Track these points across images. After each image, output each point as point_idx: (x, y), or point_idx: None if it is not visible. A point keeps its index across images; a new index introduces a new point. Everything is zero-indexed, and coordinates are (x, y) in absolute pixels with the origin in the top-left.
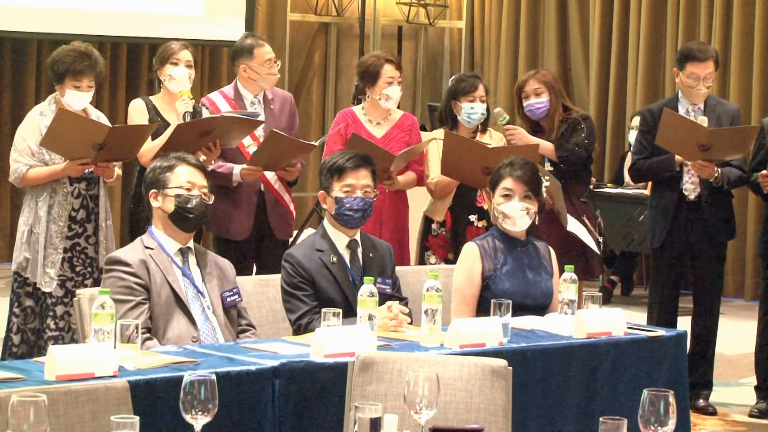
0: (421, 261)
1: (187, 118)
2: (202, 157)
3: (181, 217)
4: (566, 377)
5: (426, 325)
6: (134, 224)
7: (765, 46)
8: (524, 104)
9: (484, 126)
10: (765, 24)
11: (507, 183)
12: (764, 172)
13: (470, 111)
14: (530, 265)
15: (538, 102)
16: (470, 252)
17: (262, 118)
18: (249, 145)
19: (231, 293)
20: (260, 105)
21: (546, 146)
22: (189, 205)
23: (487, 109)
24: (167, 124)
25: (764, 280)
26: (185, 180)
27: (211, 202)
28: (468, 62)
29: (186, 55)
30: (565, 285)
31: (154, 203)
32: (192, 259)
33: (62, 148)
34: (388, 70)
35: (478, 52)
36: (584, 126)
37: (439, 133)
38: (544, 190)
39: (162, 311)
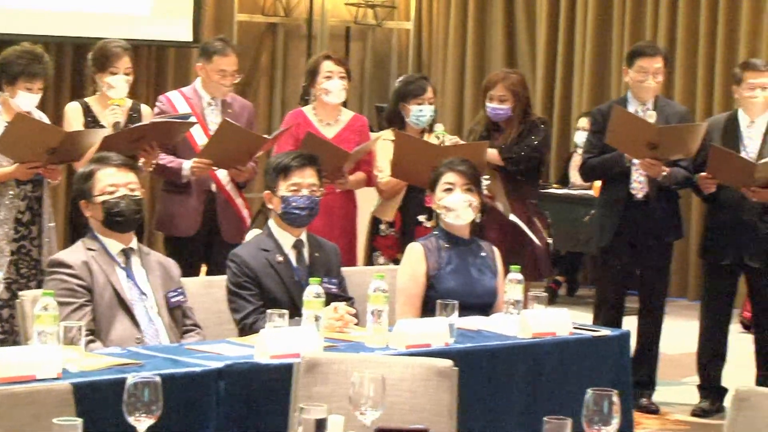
0: (369, 261)
1: (119, 128)
2: (142, 160)
3: (114, 222)
4: (511, 377)
5: (372, 325)
6: (77, 225)
7: (709, 49)
8: (487, 103)
9: (431, 127)
10: (709, 27)
11: (448, 177)
12: (703, 174)
13: (419, 113)
14: (474, 263)
15: (500, 108)
16: (414, 252)
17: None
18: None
19: (175, 293)
20: (217, 108)
21: (492, 154)
22: (117, 209)
23: (435, 111)
24: (102, 128)
25: (705, 281)
26: (107, 184)
27: (141, 196)
28: (415, 63)
29: (126, 63)
30: (510, 285)
31: (86, 212)
32: (135, 259)
33: (14, 151)
34: (326, 65)
35: (426, 53)
36: (540, 129)
37: (387, 134)
38: (484, 188)
39: (105, 313)
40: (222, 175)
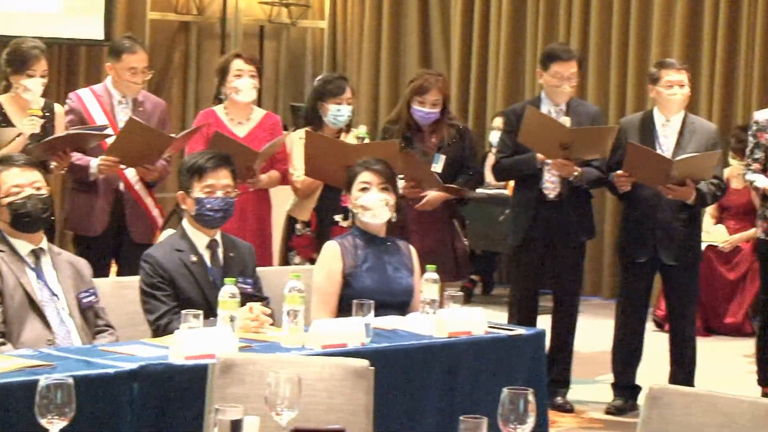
0: (285, 261)
1: (36, 138)
2: (54, 164)
3: (21, 223)
4: (427, 377)
5: (288, 325)
6: None
7: (622, 49)
8: (417, 107)
9: (348, 127)
10: (622, 28)
11: (364, 176)
12: (619, 172)
13: (337, 113)
14: (391, 262)
15: (433, 112)
16: (331, 250)
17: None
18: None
19: (87, 294)
20: (128, 106)
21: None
22: (23, 210)
23: (353, 111)
24: (13, 126)
25: (621, 279)
26: (12, 185)
27: (47, 194)
28: (330, 62)
29: (43, 65)
30: (426, 285)
31: None
32: (46, 260)
33: None
34: (236, 63)
35: (341, 53)
36: (469, 136)
37: (303, 132)
38: (400, 188)
39: (15, 314)
40: (131, 174)
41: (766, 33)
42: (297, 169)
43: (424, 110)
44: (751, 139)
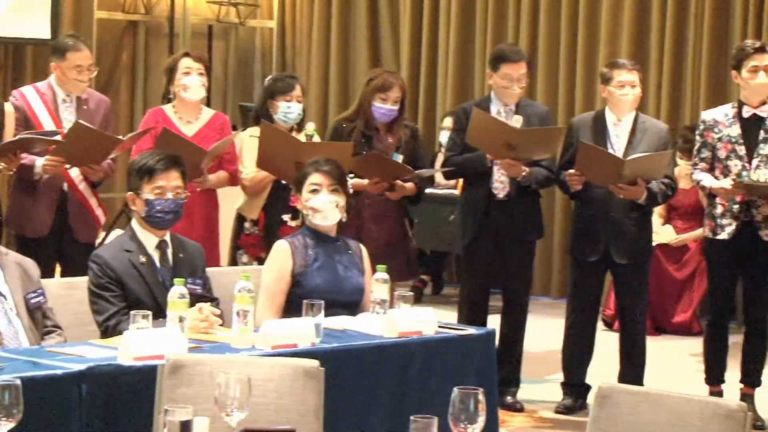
0: (233, 260)
1: None
2: (2, 165)
3: None
4: (378, 377)
5: (237, 326)
6: None
7: (571, 50)
8: (378, 104)
9: (299, 126)
10: (570, 28)
11: (314, 178)
12: (571, 171)
13: (287, 110)
14: (341, 261)
15: (394, 109)
16: (281, 249)
17: (70, 123)
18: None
19: (35, 294)
20: (72, 104)
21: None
22: None
23: (303, 110)
24: None
25: (572, 278)
26: None
27: None
28: (279, 62)
29: None
30: (377, 285)
31: None
32: None
33: None
34: (185, 62)
35: (290, 52)
36: (420, 139)
37: (255, 131)
38: (350, 186)
39: None
40: (75, 173)
41: (714, 33)
42: (246, 167)
43: (386, 107)
44: (698, 138)
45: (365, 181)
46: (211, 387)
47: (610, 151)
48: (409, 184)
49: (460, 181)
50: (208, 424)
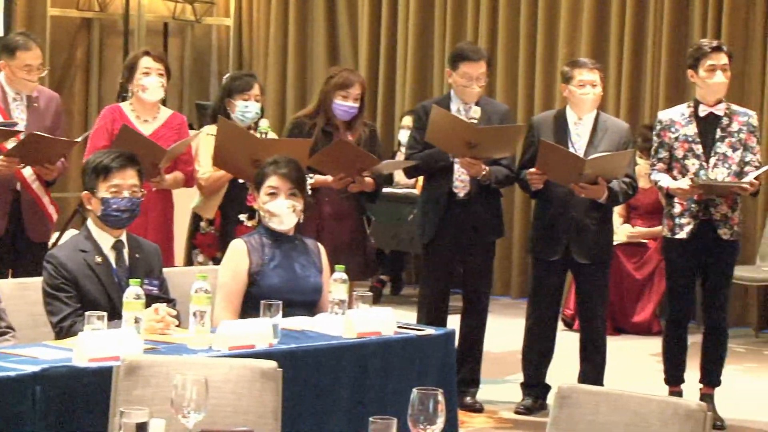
0: (189, 260)
1: None
2: None
3: None
4: (337, 378)
5: (194, 327)
6: None
7: (530, 49)
8: (339, 101)
9: (257, 124)
10: (530, 28)
11: (272, 181)
12: (532, 169)
13: (245, 109)
14: (299, 260)
15: (354, 106)
16: (237, 249)
17: (22, 120)
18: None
19: None
20: (23, 102)
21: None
22: None
23: (261, 108)
24: None
25: (532, 278)
26: None
27: None
28: (236, 60)
29: None
30: (335, 285)
31: None
32: None
33: None
34: (144, 61)
35: (247, 50)
36: (378, 137)
37: (211, 129)
38: (310, 186)
39: None
40: (27, 173)
41: (673, 32)
42: (203, 166)
43: (347, 104)
44: (655, 138)
45: (329, 178)
46: (167, 388)
47: (571, 150)
48: (369, 180)
49: (419, 180)
50: (165, 426)
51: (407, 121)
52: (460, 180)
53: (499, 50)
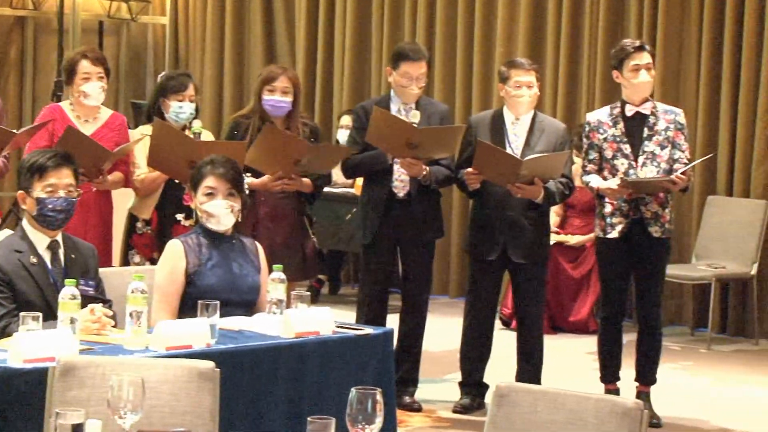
0: (125, 260)
1: None
2: None
3: None
4: (275, 378)
5: (131, 327)
6: None
7: (467, 49)
8: (267, 96)
9: (191, 124)
10: (467, 27)
11: (209, 181)
12: (469, 169)
13: (179, 110)
14: (236, 260)
15: (283, 100)
16: (174, 249)
17: None
18: None
19: None
20: None
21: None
22: None
23: (196, 108)
24: None
25: (469, 277)
26: None
27: None
28: (172, 59)
29: None
30: (273, 284)
31: None
32: None
33: None
34: (84, 66)
35: (183, 49)
36: (320, 137)
37: (146, 129)
38: (246, 186)
39: None
40: None
41: (608, 33)
42: (139, 167)
43: (275, 98)
44: (585, 140)
45: (265, 179)
46: (103, 389)
47: (508, 150)
48: (306, 180)
49: (358, 180)
50: (101, 427)
51: (345, 120)
52: (400, 180)
53: (436, 50)
